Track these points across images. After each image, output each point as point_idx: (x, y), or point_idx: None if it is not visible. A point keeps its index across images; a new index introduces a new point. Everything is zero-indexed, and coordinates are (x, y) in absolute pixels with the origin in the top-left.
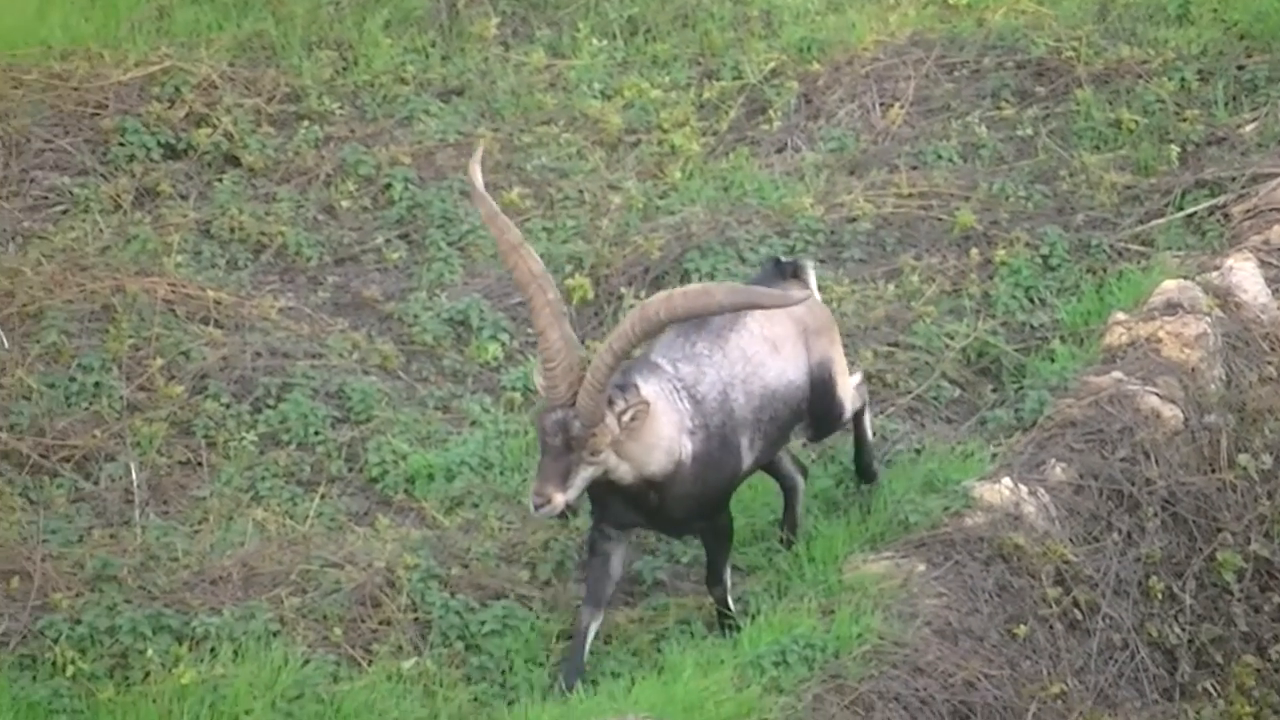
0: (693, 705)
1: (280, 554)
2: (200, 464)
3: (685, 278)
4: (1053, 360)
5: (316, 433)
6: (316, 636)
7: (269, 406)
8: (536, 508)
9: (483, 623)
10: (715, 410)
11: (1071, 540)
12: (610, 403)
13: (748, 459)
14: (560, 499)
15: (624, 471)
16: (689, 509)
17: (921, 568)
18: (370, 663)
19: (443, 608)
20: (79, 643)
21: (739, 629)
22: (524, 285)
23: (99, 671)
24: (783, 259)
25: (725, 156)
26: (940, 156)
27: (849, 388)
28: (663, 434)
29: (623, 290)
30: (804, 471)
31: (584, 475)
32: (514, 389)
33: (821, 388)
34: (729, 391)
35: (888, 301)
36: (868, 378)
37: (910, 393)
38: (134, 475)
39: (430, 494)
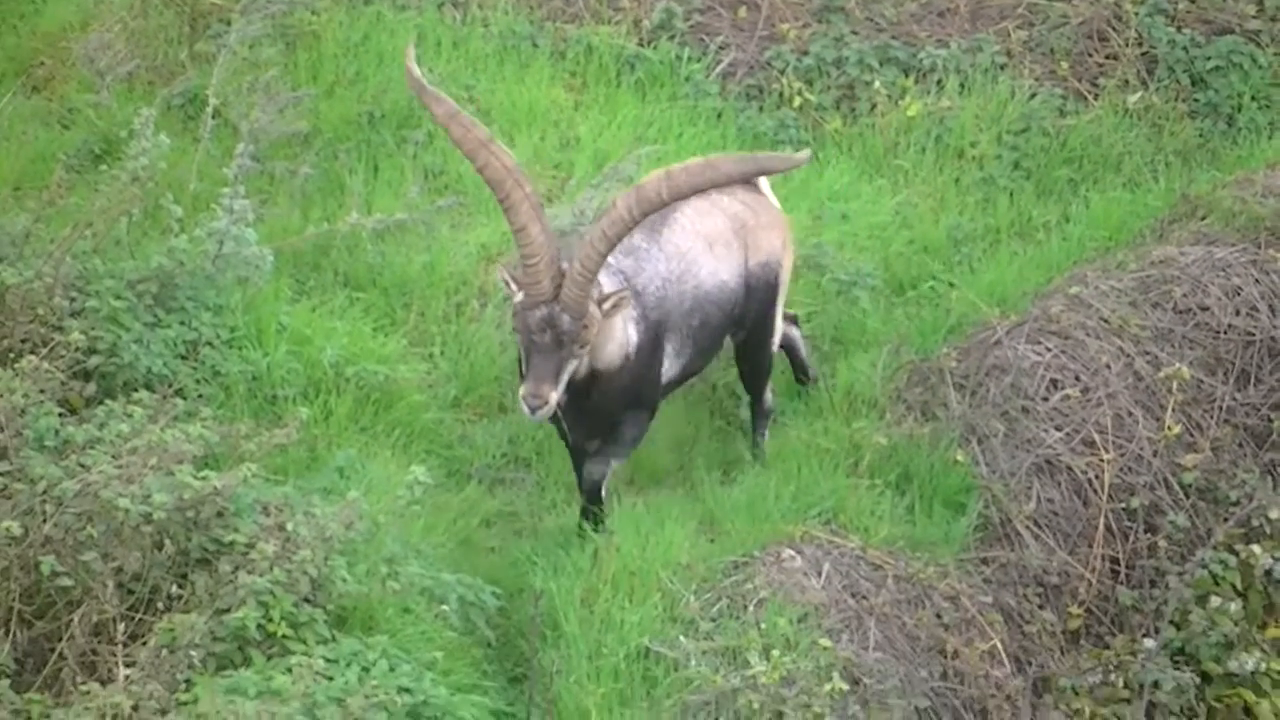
0: None
1: None
2: None
3: None
4: None
5: None
6: (1043, 70)
7: None
8: (533, 410)
9: (1209, 58)
10: (654, 305)
11: None
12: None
13: (673, 366)
14: (555, 397)
15: (581, 366)
16: (617, 403)
17: None
18: (1096, 97)
19: (1169, 43)
20: (806, 74)
21: (601, 524)
22: (499, 182)
23: (826, 103)
24: None
25: None
26: None
27: (780, 316)
28: (618, 324)
29: None
30: (795, 320)
31: (570, 369)
32: None
33: (760, 293)
34: (666, 289)
35: None
36: None
37: None
38: None
39: None
